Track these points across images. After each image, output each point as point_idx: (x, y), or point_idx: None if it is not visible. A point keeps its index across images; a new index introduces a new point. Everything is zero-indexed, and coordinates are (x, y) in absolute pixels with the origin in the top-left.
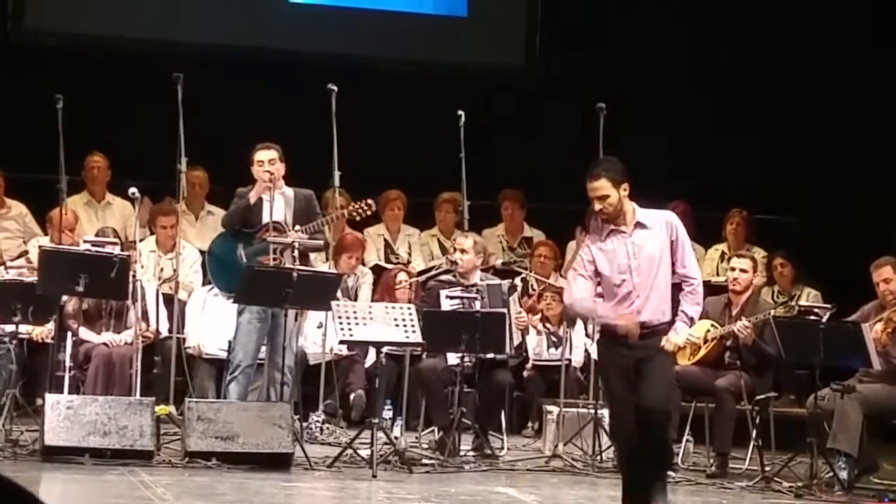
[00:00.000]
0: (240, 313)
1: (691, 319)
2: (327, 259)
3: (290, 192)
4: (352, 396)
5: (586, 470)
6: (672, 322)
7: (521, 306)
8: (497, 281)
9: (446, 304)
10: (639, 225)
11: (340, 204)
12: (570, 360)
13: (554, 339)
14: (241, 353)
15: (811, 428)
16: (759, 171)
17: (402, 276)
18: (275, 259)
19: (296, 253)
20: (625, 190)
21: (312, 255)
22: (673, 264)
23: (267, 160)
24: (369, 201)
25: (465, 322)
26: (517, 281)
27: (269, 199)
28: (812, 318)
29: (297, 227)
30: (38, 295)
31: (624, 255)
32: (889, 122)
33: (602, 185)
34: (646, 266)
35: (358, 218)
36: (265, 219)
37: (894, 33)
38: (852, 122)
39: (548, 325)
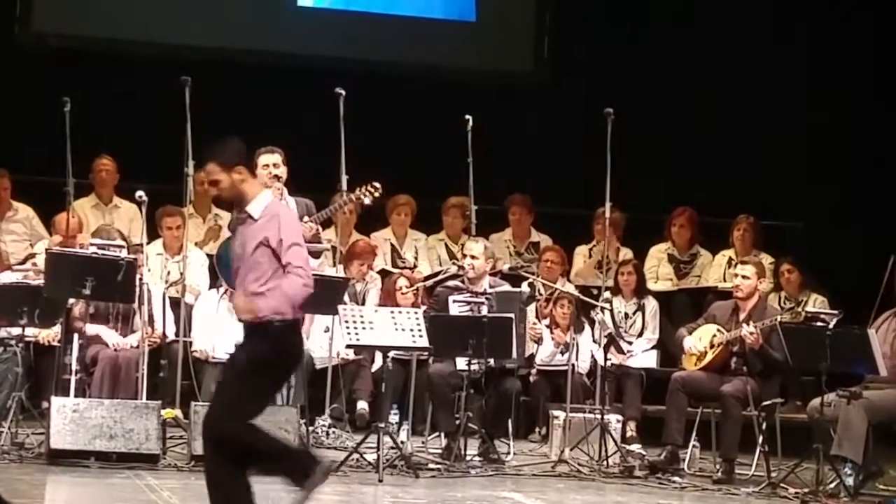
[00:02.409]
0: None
1: (260, 295)
2: (335, 263)
3: (290, 198)
4: (357, 408)
5: (592, 475)
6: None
7: (537, 317)
8: (516, 289)
9: (454, 310)
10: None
11: (349, 209)
12: (575, 366)
13: (561, 346)
14: None
15: (817, 434)
16: (767, 177)
17: (402, 282)
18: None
19: None
20: (238, 174)
21: (319, 260)
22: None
23: (272, 164)
24: (376, 184)
25: (472, 327)
26: (525, 286)
27: None
28: (819, 324)
29: (307, 218)
30: (45, 298)
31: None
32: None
33: (210, 170)
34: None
35: (367, 200)
36: None
37: (893, 42)
38: (859, 128)
39: (556, 330)
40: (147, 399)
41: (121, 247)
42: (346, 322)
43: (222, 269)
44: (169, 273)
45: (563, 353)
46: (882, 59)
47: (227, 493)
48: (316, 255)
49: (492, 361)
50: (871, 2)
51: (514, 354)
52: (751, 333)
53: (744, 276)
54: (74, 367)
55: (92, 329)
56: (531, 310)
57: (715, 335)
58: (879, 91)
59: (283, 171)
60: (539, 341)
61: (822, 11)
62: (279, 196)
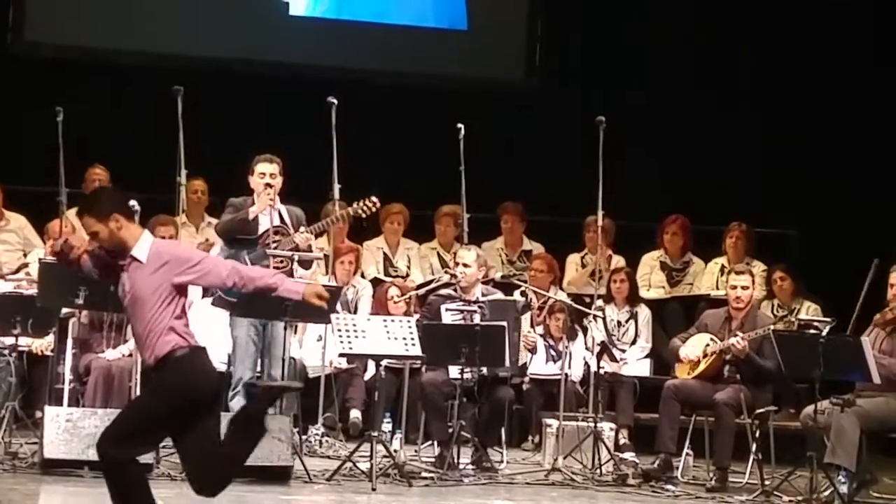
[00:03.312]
0: (234, 328)
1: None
2: (327, 272)
3: (282, 207)
4: (350, 417)
5: (586, 483)
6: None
7: (531, 326)
8: (509, 298)
9: (447, 318)
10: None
11: (340, 210)
12: (568, 374)
13: (553, 353)
14: (241, 367)
15: (811, 442)
16: (759, 184)
17: (393, 291)
18: (283, 266)
19: (296, 258)
20: (115, 222)
21: (311, 269)
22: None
23: (268, 173)
24: (374, 199)
25: (465, 335)
26: (518, 294)
27: (268, 213)
28: (812, 331)
29: (304, 228)
30: (38, 307)
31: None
32: (889, 136)
33: (86, 223)
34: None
35: (364, 216)
36: (262, 228)
37: (894, 54)
38: (852, 135)
39: (549, 339)
40: None
41: None
42: (339, 331)
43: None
44: None
45: (555, 361)
46: (878, 62)
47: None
48: (307, 264)
49: (484, 370)
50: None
51: (507, 363)
52: (738, 342)
53: (743, 287)
54: (68, 376)
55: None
56: (526, 318)
57: (708, 344)
58: (874, 97)
59: (277, 182)
60: (533, 350)
61: (819, 19)
62: (272, 204)
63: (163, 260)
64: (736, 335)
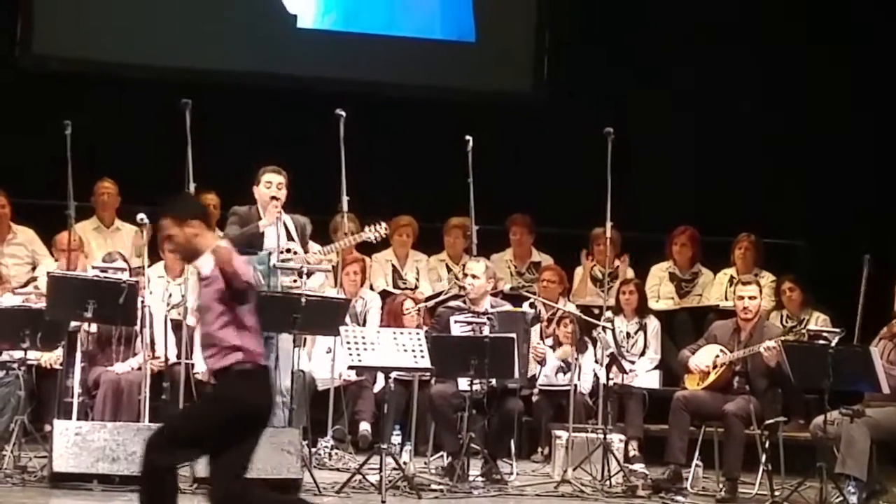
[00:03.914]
0: None
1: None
2: (336, 284)
3: (286, 217)
4: (359, 429)
5: (595, 495)
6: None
7: (541, 338)
8: (518, 309)
9: (456, 330)
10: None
11: (351, 230)
12: (577, 385)
13: (563, 364)
14: None
15: (820, 453)
16: (768, 195)
17: (408, 304)
18: (295, 284)
19: (304, 271)
20: (191, 227)
21: (320, 281)
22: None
23: (275, 183)
24: (384, 224)
25: (474, 347)
26: (527, 306)
27: (276, 225)
28: (821, 342)
29: (318, 249)
30: (47, 321)
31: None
32: None
33: (164, 225)
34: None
35: (373, 240)
36: (268, 241)
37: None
38: (861, 146)
39: (558, 350)
40: (149, 422)
41: (122, 269)
42: (348, 343)
43: None
44: (170, 295)
45: (564, 372)
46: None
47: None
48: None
49: (494, 381)
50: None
51: (516, 374)
52: (769, 349)
53: (751, 297)
54: (77, 390)
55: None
56: (535, 330)
57: (717, 355)
58: (885, 107)
59: (283, 194)
60: (542, 362)
61: (820, 32)
62: (278, 215)
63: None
64: (746, 345)
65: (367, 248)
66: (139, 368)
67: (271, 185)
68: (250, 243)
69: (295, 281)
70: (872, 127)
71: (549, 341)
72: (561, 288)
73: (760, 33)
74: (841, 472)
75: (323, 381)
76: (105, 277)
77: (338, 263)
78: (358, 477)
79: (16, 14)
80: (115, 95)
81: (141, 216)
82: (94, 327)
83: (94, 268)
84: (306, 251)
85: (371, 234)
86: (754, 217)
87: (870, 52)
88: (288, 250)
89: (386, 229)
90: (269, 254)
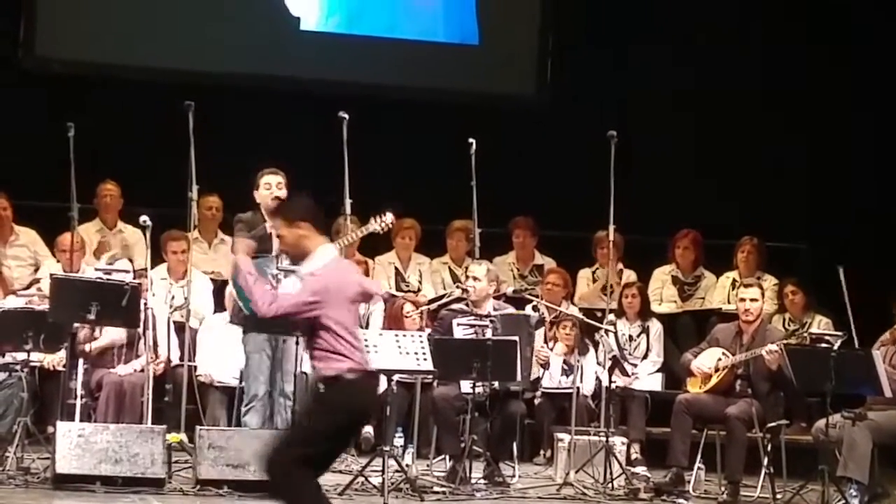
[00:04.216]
0: (248, 344)
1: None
2: None
3: None
4: (362, 432)
5: (598, 497)
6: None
7: (545, 341)
8: (521, 312)
9: (458, 333)
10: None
11: (357, 227)
12: (580, 388)
13: (565, 366)
14: (255, 383)
15: (822, 456)
16: (770, 198)
17: (408, 308)
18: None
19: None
20: (300, 229)
21: None
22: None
23: (274, 183)
24: (390, 215)
25: (476, 350)
26: (529, 309)
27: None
28: (823, 345)
29: None
30: (50, 322)
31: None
32: None
33: (277, 224)
34: None
35: (381, 232)
36: (276, 242)
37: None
38: (862, 147)
39: (559, 349)
40: (152, 423)
41: (125, 271)
42: None
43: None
44: (173, 297)
45: (567, 375)
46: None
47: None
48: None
49: (496, 384)
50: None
51: (519, 377)
52: (771, 352)
53: (752, 300)
54: (79, 391)
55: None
56: (539, 334)
57: (720, 358)
58: (882, 109)
59: (283, 193)
60: (546, 366)
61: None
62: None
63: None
64: (749, 348)
65: (370, 251)
66: (142, 370)
67: (271, 186)
68: (261, 248)
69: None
70: (873, 128)
71: (551, 344)
72: (565, 291)
73: (761, 34)
74: (843, 475)
75: None
76: (108, 279)
77: None
78: (360, 479)
79: (18, 16)
80: (118, 97)
81: (143, 218)
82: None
83: (97, 269)
84: None
85: (377, 224)
86: (757, 220)
87: (870, 52)
88: None
89: (392, 220)
90: (275, 257)
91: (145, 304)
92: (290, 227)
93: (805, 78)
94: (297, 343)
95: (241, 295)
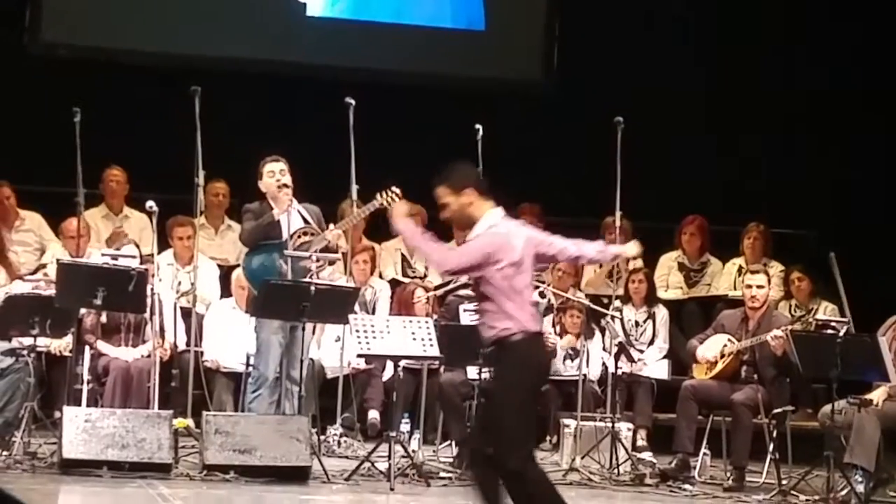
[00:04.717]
0: (262, 329)
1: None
2: (345, 271)
3: (299, 206)
4: (368, 417)
5: (603, 483)
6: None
7: (553, 327)
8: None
9: (465, 319)
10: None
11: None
12: (586, 374)
13: (571, 351)
14: (264, 368)
15: (828, 442)
16: (777, 184)
17: (419, 293)
18: (319, 266)
19: (314, 259)
20: (466, 197)
21: (329, 269)
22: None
23: (278, 171)
24: (395, 189)
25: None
26: (536, 295)
27: (287, 213)
28: (829, 331)
29: (333, 226)
30: (56, 308)
31: None
32: None
33: (440, 193)
34: None
35: (387, 205)
36: (285, 230)
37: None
38: (870, 135)
39: (563, 339)
40: (159, 409)
41: (132, 257)
42: (357, 331)
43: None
44: (180, 283)
45: (572, 359)
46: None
47: None
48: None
49: None
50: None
51: None
52: (776, 338)
53: (758, 286)
54: (86, 377)
55: (104, 347)
56: (547, 321)
57: (725, 345)
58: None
59: (288, 179)
60: (553, 353)
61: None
62: (289, 203)
63: None
64: (754, 335)
65: (377, 237)
66: (148, 356)
67: (274, 173)
68: (267, 234)
69: (318, 261)
70: (883, 115)
71: (557, 329)
72: (573, 279)
73: (774, 19)
74: (849, 461)
75: (332, 370)
76: (114, 265)
77: (348, 252)
78: (367, 465)
79: (24, 2)
80: (125, 83)
81: (150, 204)
82: (103, 315)
83: (103, 255)
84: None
85: (383, 199)
86: (763, 207)
87: (880, 37)
88: (305, 233)
89: (398, 194)
90: (283, 241)
91: (152, 289)
92: (455, 196)
93: (815, 62)
94: (303, 329)
95: (254, 276)
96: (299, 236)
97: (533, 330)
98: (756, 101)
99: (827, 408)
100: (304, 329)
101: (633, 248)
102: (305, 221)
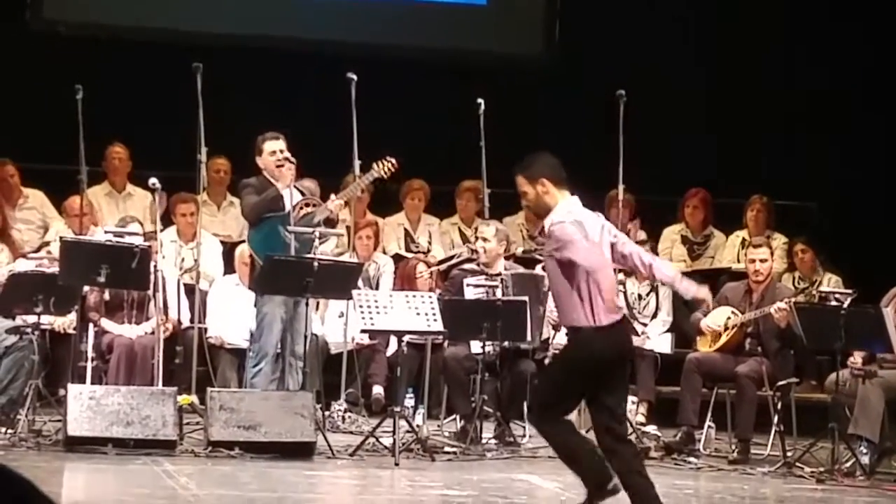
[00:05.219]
0: (264, 305)
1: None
2: (348, 245)
3: (295, 185)
4: (372, 392)
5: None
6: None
7: None
8: (535, 272)
9: (469, 293)
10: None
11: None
12: None
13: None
14: (265, 343)
15: (833, 413)
16: (780, 156)
17: (421, 268)
18: (322, 240)
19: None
20: (542, 186)
21: (332, 244)
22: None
23: (278, 149)
24: (391, 159)
25: (487, 311)
26: (539, 269)
27: (289, 188)
28: (833, 303)
29: (332, 197)
30: (60, 285)
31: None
32: None
33: (518, 182)
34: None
35: (386, 176)
36: (288, 202)
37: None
38: (872, 106)
39: None
40: (163, 385)
41: (136, 234)
42: (361, 307)
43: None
44: (183, 260)
45: None
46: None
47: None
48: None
49: (506, 343)
50: None
51: (530, 337)
52: (780, 310)
53: (762, 260)
54: (90, 354)
55: (107, 325)
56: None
57: (729, 317)
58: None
59: (290, 156)
60: (557, 327)
61: None
62: (292, 178)
63: (550, 235)
64: (759, 307)
65: (380, 212)
66: (152, 332)
67: (276, 152)
68: (270, 207)
69: (321, 236)
70: (886, 86)
71: None
72: None
73: None
74: (854, 432)
75: (336, 345)
76: (118, 242)
77: (350, 227)
78: (371, 440)
79: None
80: (127, 60)
81: (153, 181)
82: (106, 292)
83: (107, 232)
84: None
85: (380, 170)
86: (766, 179)
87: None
88: (307, 204)
89: (394, 164)
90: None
91: (155, 266)
92: (531, 185)
93: (820, 34)
94: (306, 305)
95: (260, 249)
96: (301, 207)
97: (599, 324)
98: (759, 74)
99: (833, 378)
100: (307, 304)
101: (705, 293)
102: (303, 194)
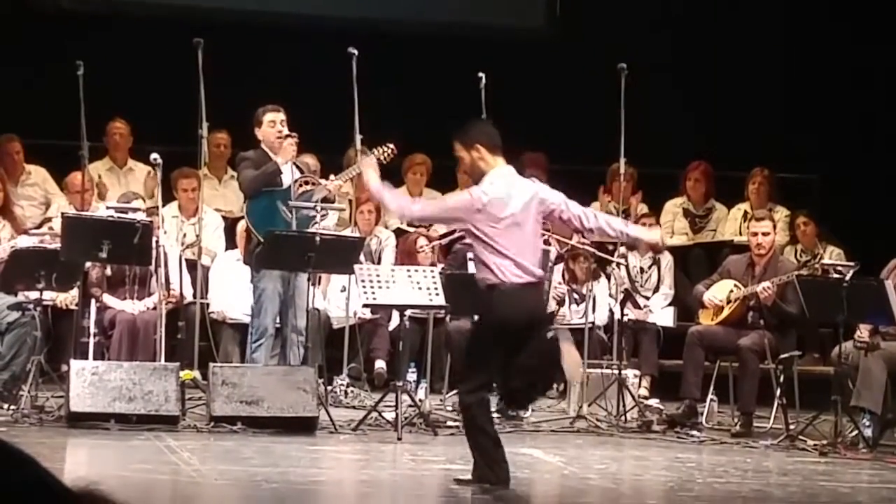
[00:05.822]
0: (261, 280)
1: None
2: (351, 221)
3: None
4: (375, 367)
5: (611, 430)
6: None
7: (563, 277)
8: (543, 247)
9: (472, 267)
10: None
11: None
12: (593, 322)
13: (577, 296)
14: (263, 318)
15: (835, 386)
16: (781, 128)
17: (422, 241)
18: (323, 215)
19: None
20: (476, 151)
21: (334, 220)
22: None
23: (279, 121)
24: (390, 145)
25: None
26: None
27: (288, 164)
28: (835, 276)
29: (332, 177)
30: (62, 261)
31: None
32: None
33: (455, 147)
34: None
35: (383, 160)
36: (286, 179)
37: None
38: (875, 77)
39: (573, 284)
40: (165, 361)
41: (138, 209)
42: (363, 281)
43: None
44: (185, 235)
45: (577, 304)
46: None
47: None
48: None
49: None
50: None
51: None
52: (765, 289)
53: (764, 233)
54: (93, 330)
55: (109, 300)
56: (558, 269)
57: (732, 290)
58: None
59: (287, 130)
60: (561, 303)
61: None
62: (294, 152)
63: None
64: (759, 282)
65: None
66: (154, 308)
67: (275, 123)
68: (269, 182)
69: (322, 211)
70: (886, 58)
71: (566, 277)
72: None
73: None
74: (857, 404)
75: (338, 320)
76: (120, 217)
77: (352, 201)
78: (374, 414)
79: None
80: (127, 35)
81: (154, 156)
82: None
83: (108, 208)
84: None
85: (379, 154)
86: (768, 151)
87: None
88: (306, 182)
89: (394, 150)
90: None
91: (157, 241)
92: (467, 150)
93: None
94: (308, 280)
95: (259, 223)
96: (300, 185)
97: (510, 282)
98: (761, 46)
99: (836, 351)
100: (309, 279)
101: (655, 234)
102: (301, 171)
